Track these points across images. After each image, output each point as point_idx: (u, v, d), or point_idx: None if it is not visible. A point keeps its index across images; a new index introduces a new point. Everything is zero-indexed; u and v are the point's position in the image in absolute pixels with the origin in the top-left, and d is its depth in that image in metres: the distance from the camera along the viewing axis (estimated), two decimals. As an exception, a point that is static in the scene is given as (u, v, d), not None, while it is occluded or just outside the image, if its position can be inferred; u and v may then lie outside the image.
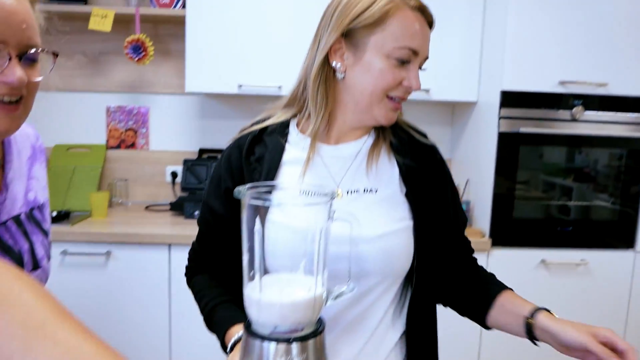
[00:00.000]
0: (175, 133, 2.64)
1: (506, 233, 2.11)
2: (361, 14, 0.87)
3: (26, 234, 0.87)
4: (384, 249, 0.89)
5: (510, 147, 2.07)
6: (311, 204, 0.67)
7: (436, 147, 1.01)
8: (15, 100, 0.75)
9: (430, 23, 0.90)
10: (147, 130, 2.64)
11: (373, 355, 0.94)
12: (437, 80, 2.22)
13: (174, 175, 2.61)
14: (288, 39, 2.20)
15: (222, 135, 2.63)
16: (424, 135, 1.02)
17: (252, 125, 1.00)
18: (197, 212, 2.28)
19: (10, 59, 0.72)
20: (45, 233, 0.93)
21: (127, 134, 2.64)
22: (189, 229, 2.09)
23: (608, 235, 2.17)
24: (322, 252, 0.70)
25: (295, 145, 0.96)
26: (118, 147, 2.64)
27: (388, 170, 0.95)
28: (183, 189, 2.48)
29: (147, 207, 2.51)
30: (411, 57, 0.87)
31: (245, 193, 0.69)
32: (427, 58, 0.91)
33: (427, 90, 2.22)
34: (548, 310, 0.88)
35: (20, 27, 0.73)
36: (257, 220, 0.68)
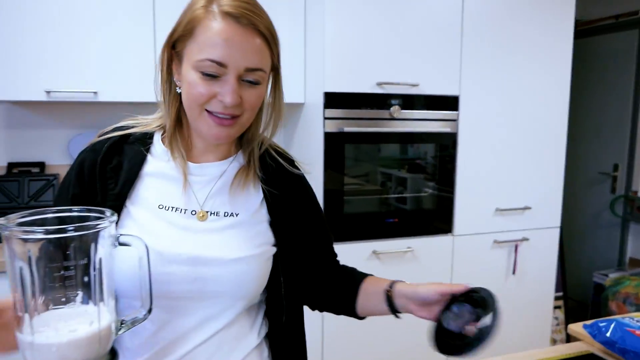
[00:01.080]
0: (-23, 147, 2.32)
1: (338, 228, 2.21)
2: (178, 25, 0.84)
3: None
4: (237, 272, 0.87)
5: (336, 145, 2.16)
6: (87, 231, 0.62)
7: (303, 176, 1.03)
8: None
9: (256, 27, 0.81)
10: (-61, 146, 2.27)
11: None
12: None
13: (-21, 195, 2.29)
14: (101, 41, 2.04)
15: (36, 146, 2.37)
16: (292, 162, 1.01)
17: (113, 130, 0.92)
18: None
19: None
20: None
21: None
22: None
23: (431, 223, 2.39)
24: (104, 279, 0.65)
25: (158, 158, 0.91)
26: None
27: (253, 196, 0.94)
28: (-9, 210, 2.19)
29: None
30: (219, 71, 0.80)
31: (7, 227, 0.61)
32: (258, 70, 0.83)
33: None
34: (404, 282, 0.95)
35: None
36: (21, 255, 0.61)
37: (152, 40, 2.08)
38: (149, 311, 0.70)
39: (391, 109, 2.23)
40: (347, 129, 2.15)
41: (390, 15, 2.20)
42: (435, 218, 2.40)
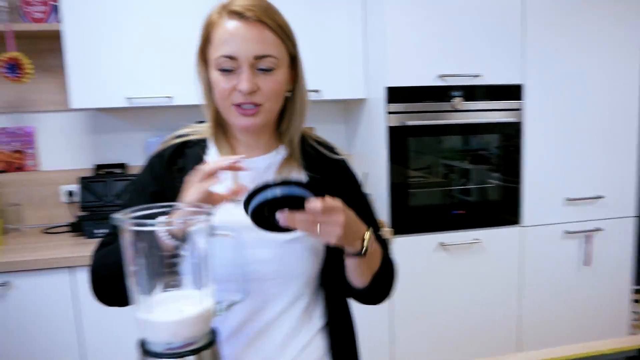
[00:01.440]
0: (67, 151, 2.53)
1: (404, 220, 2.24)
2: (201, 34, 0.95)
3: None
4: (287, 254, 0.95)
5: (399, 139, 2.20)
6: (190, 224, 0.70)
7: (345, 160, 1.08)
8: None
9: (259, 19, 0.89)
10: (35, 151, 2.50)
11: (287, 349, 0.99)
12: (326, 80, 2.31)
13: (70, 194, 2.50)
14: (174, 47, 2.18)
15: (118, 149, 2.56)
16: (333, 149, 1.08)
17: (174, 138, 1.03)
18: (97, 231, 2.21)
19: None
20: None
21: (13, 156, 2.49)
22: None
23: (497, 214, 2.37)
24: (206, 266, 0.73)
25: (213, 158, 1.00)
26: (5, 171, 2.48)
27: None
28: (82, 208, 2.39)
29: (44, 231, 2.39)
30: (232, 64, 0.90)
31: (123, 219, 0.70)
32: (267, 56, 0.90)
33: (317, 91, 2.30)
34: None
35: None
36: (139, 243, 0.70)
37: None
38: (244, 295, 0.78)
39: (453, 100, 2.24)
40: (409, 123, 2.18)
41: (450, 6, 2.20)
42: (502, 209, 2.38)
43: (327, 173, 1.03)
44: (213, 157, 1.01)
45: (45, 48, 2.40)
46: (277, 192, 0.75)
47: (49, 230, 2.39)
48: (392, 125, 2.18)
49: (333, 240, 0.80)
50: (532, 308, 2.44)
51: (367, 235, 0.88)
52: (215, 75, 0.92)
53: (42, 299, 1.97)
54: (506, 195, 2.38)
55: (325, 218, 0.78)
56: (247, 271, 0.84)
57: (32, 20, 2.24)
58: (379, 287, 0.99)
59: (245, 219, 0.79)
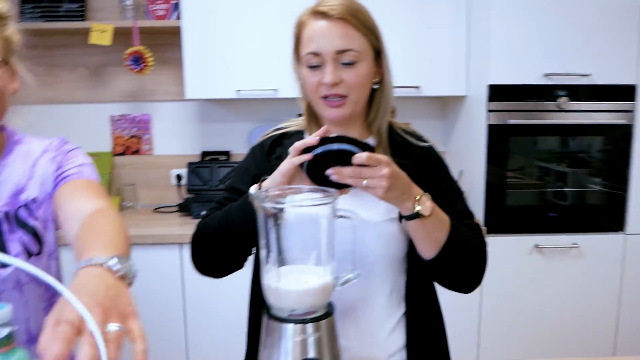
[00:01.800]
0: (177, 138, 2.74)
1: (500, 220, 2.22)
2: (294, 35, 1.05)
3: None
4: (380, 234, 1.01)
5: (500, 138, 2.17)
6: (318, 204, 0.77)
7: (432, 147, 1.12)
8: None
9: (341, 17, 0.97)
10: (150, 136, 2.73)
11: (375, 334, 1.04)
12: (426, 76, 2.32)
13: (179, 177, 2.71)
14: (281, 43, 2.27)
15: (223, 137, 2.73)
16: (420, 137, 1.12)
17: (274, 130, 1.15)
18: (203, 212, 2.38)
19: None
20: (32, 230, 0.97)
21: (131, 140, 2.74)
22: (197, 230, 2.19)
23: (598, 219, 2.28)
24: (330, 244, 0.80)
25: None
26: (123, 153, 2.73)
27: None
28: (189, 190, 2.58)
29: (155, 210, 2.61)
30: (318, 60, 0.98)
31: (258, 197, 0.79)
32: (348, 50, 0.97)
33: (417, 87, 2.32)
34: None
35: None
36: (272, 220, 0.79)
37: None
38: (359, 273, 0.84)
39: (559, 100, 2.17)
40: (511, 121, 2.15)
41: (559, 3, 2.13)
42: (603, 215, 2.28)
43: (415, 160, 1.07)
44: None
45: (164, 42, 2.61)
46: (329, 147, 0.83)
47: (159, 210, 2.61)
48: (492, 123, 2.16)
49: (379, 193, 0.84)
50: (632, 317, 2.32)
51: (421, 197, 0.90)
52: (305, 71, 1.01)
53: (153, 271, 2.17)
54: (609, 201, 2.27)
55: (371, 171, 0.83)
56: (358, 251, 0.90)
57: (155, 17, 2.46)
58: (452, 265, 0.98)
59: (359, 203, 0.86)
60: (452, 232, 0.96)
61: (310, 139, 0.86)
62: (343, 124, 1.06)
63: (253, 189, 0.93)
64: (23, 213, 0.97)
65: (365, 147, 0.83)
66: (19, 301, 0.94)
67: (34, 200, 0.98)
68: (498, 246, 2.21)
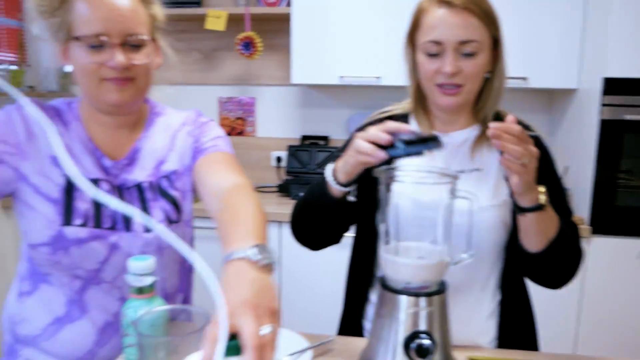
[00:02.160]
0: (279, 121, 2.86)
1: (607, 221, 2.11)
2: (411, 20, 1.05)
3: (143, 200, 1.05)
4: (485, 219, 1.01)
5: (613, 134, 2.06)
6: (438, 183, 0.81)
7: (539, 137, 1.10)
8: (124, 77, 0.96)
9: (465, 6, 0.96)
10: (254, 119, 2.87)
11: (471, 319, 1.06)
12: (535, 67, 2.25)
13: (279, 159, 2.83)
14: (385, 31, 2.31)
15: (323, 122, 2.81)
16: (527, 127, 1.11)
17: (379, 114, 1.18)
18: (301, 194, 2.47)
19: (113, 48, 0.93)
20: (172, 199, 1.07)
21: (236, 122, 2.89)
22: (296, 210, 2.29)
23: None
24: (447, 224, 0.83)
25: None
26: (229, 134, 2.89)
27: (491, 155, 1.07)
28: (287, 172, 2.69)
29: (256, 189, 2.75)
30: (438, 48, 0.98)
31: (381, 173, 0.83)
32: (470, 41, 0.97)
33: (524, 78, 2.25)
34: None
35: (119, 20, 0.93)
36: (390, 196, 0.83)
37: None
38: (472, 255, 0.87)
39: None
40: (627, 117, 2.03)
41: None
42: None
43: None
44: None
45: (273, 29, 2.73)
46: (408, 151, 0.85)
47: (259, 189, 2.74)
48: (605, 118, 2.05)
49: (519, 172, 0.85)
50: None
51: (543, 189, 0.91)
52: (422, 57, 1.02)
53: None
54: None
55: (521, 146, 0.85)
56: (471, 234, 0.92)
57: (266, 4, 2.57)
58: (555, 260, 0.99)
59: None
60: (560, 228, 0.97)
61: (381, 137, 0.88)
62: (453, 111, 1.07)
63: (329, 169, 0.98)
64: (164, 183, 1.08)
65: (437, 141, 0.85)
66: (159, 263, 1.05)
67: (174, 172, 1.09)
68: (604, 247, 2.11)
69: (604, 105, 2.05)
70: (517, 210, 0.94)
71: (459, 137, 1.09)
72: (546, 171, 1.07)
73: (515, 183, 0.87)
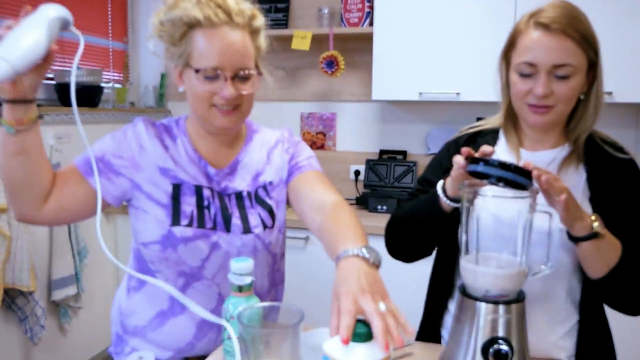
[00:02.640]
0: (358, 136, 2.96)
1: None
2: (508, 38, 1.08)
3: (241, 207, 1.17)
4: (565, 237, 1.01)
5: None
6: (518, 197, 0.86)
7: (633, 160, 1.09)
8: (231, 108, 1.08)
9: (562, 30, 0.97)
10: (334, 134, 2.99)
11: (548, 335, 1.08)
12: (620, 81, 2.20)
13: (357, 173, 2.92)
14: (464, 48, 2.35)
15: (400, 138, 2.87)
16: (620, 149, 1.10)
17: (469, 128, 1.23)
18: (380, 207, 2.55)
19: (225, 80, 1.05)
20: (268, 207, 1.19)
21: (317, 136, 3.02)
22: (374, 221, 2.36)
23: None
24: (526, 237, 0.88)
25: (501, 147, 1.16)
26: (310, 148, 3.02)
27: (575, 176, 1.08)
28: (365, 186, 2.78)
29: (334, 202, 2.85)
30: (531, 70, 1.00)
31: (464, 188, 0.90)
32: (564, 65, 0.98)
33: (609, 93, 2.21)
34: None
35: (233, 56, 1.05)
36: (472, 209, 0.89)
37: (511, 45, 2.28)
38: (551, 268, 0.91)
39: None
40: None
41: None
42: None
43: (610, 172, 1.06)
44: (502, 147, 1.15)
45: (354, 47, 2.84)
46: (499, 174, 0.88)
47: (338, 201, 2.84)
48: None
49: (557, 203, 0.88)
50: None
51: (595, 217, 0.93)
52: (515, 77, 1.04)
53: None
54: None
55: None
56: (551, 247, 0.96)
57: (349, 25, 2.69)
58: (620, 287, 0.99)
59: None
60: (623, 255, 0.97)
61: (460, 160, 0.94)
62: (542, 129, 1.09)
63: (439, 185, 1.04)
64: (262, 192, 1.20)
65: (527, 175, 0.88)
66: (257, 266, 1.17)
67: (270, 183, 1.21)
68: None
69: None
70: (570, 239, 0.96)
71: (547, 156, 1.10)
72: (633, 195, 1.06)
73: (561, 216, 0.91)
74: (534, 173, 0.87)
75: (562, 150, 1.10)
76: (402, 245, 1.19)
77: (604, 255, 0.96)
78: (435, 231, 1.11)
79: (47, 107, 2.46)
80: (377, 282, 0.79)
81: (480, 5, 2.33)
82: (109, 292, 2.88)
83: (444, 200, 1.02)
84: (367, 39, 2.62)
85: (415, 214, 1.12)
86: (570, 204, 0.89)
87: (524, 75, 1.02)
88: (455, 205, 1.01)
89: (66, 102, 2.54)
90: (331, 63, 2.67)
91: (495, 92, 1.16)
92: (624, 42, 2.20)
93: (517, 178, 0.86)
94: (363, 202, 2.65)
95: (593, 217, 0.94)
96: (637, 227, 1.05)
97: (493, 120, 1.20)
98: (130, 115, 2.98)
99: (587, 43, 1.00)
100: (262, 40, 1.16)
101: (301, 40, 2.66)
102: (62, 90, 2.53)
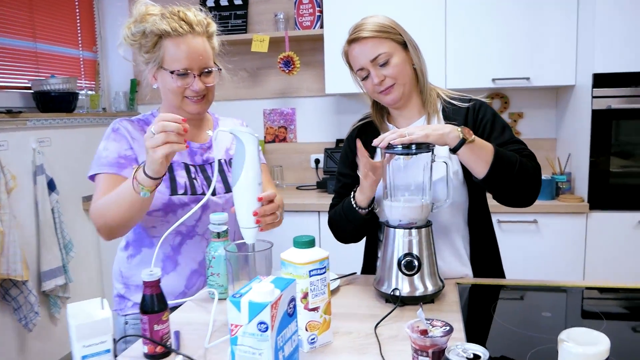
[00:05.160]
0: (316, 127, 3.26)
1: (603, 198, 2.40)
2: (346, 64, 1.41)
3: (222, 171, 1.47)
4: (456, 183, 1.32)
5: (602, 122, 2.36)
6: (418, 152, 1.18)
7: (475, 102, 1.37)
8: (200, 97, 1.37)
9: (370, 35, 1.29)
10: (294, 127, 3.29)
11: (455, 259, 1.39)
12: (537, 67, 2.57)
13: (317, 161, 3.23)
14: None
15: (354, 127, 3.18)
16: (467, 100, 1.39)
17: (359, 121, 1.54)
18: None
19: (194, 77, 1.34)
20: None
21: (279, 130, 3.32)
22: (332, 200, 2.67)
23: None
24: (427, 180, 1.20)
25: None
26: (273, 141, 3.32)
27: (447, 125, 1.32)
28: (325, 172, 3.09)
29: (298, 187, 3.16)
30: (364, 72, 1.32)
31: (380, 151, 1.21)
32: (378, 55, 1.29)
33: (527, 78, 2.58)
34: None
35: (199, 58, 1.34)
36: (389, 165, 1.21)
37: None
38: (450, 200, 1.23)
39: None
40: (614, 106, 2.33)
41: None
42: None
43: (464, 119, 1.35)
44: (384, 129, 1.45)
45: (307, 48, 3.15)
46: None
47: (301, 187, 3.15)
48: (595, 109, 2.35)
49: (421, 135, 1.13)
50: None
51: (461, 128, 1.15)
52: (360, 81, 1.38)
53: (297, 231, 2.67)
54: None
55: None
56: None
57: (302, 28, 2.99)
58: (503, 180, 1.19)
59: None
60: (496, 152, 1.18)
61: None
62: (401, 105, 1.39)
63: (352, 201, 1.31)
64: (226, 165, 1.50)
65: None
66: (230, 217, 1.46)
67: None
68: (602, 222, 2.39)
69: (594, 97, 2.35)
70: (451, 151, 1.17)
71: (418, 124, 1.40)
72: (484, 122, 1.34)
73: (432, 140, 1.15)
74: (380, 145, 1.16)
75: (425, 118, 1.40)
76: (342, 239, 1.48)
77: (480, 155, 1.16)
78: (362, 227, 1.39)
79: (28, 114, 2.66)
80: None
81: (413, 4, 2.66)
82: (93, 283, 3.11)
83: (358, 211, 1.31)
84: (319, 39, 2.93)
85: (342, 223, 1.40)
86: (427, 132, 1.13)
87: (364, 78, 1.35)
88: (369, 209, 1.30)
89: (45, 109, 2.76)
90: (288, 63, 2.97)
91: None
92: (538, 33, 2.56)
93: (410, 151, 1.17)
94: (323, 186, 2.96)
95: (458, 129, 1.15)
96: (501, 139, 1.31)
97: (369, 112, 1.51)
98: (104, 119, 3.21)
99: (388, 33, 1.30)
100: (216, 42, 1.44)
101: (260, 44, 2.95)
102: (39, 98, 2.75)
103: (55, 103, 2.78)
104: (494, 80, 2.62)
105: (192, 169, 1.44)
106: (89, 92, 3.29)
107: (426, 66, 1.39)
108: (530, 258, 2.46)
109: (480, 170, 1.18)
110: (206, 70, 1.37)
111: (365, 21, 1.33)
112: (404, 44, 1.34)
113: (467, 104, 1.39)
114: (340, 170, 1.53)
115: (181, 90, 1.35)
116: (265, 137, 3.32)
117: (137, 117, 1.48)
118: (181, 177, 1.41)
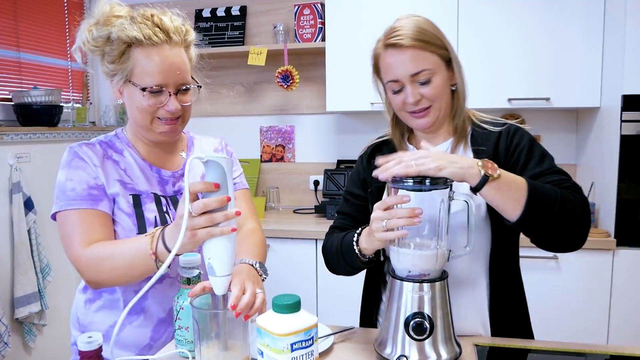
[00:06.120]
0: (316, 147, 3.05)
1: (632, 233, 2.17)
2: (372, 65, 1.21)
3: None
4: (478, 223, 1.11)
5: (633, 149, 2.14)
6: (432, 189, 0.95)
7: (509, 126, 1.17)
8: (175, 117, 1.17)
9: (413, 45, 1.09)
10: (293, 146, 3.08)
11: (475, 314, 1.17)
12: (559, 87, 2.35)
13: (317, 183, 3.01)
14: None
15: (357, 147, 2.93)
16: (495, 123, 1.20)
17: (377, 139, 1.35)
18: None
19: (170, 95, 1.13)
20: None
21: (276, 149, 3.11)
22: (332, 228, 2.45)
23: None
24: (444, 222, 0.98)
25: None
26: (270, 160, 3.11)
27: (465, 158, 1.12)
28: (324, 195, 2.87)
29: (294, 211, 2.94)
30: (398, 85, 1.12)
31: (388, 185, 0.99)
32: (421, 72, 1.10)
33: (547, 99, 2.36)
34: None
35: (176, 74, 1.12)
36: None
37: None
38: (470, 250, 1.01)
39: None
40: (647, 132, 2.11)
41: None
42: None
43: (493, 144, 1.15)
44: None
45: (308, 62, 2.95)
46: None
47: (297, 211, 2.93)
48: (625, 134, 2.13)
49: (432, 169, 0.93)
50: None
51: (482, 162, 0.95)
52: (389, 93, 1.17)
53: (293, 260, 2.48)
54: None
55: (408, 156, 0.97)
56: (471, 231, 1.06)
57: (303, 41, 2.80)
58: (542, 221, 0.97)
59: None
60: (531, 188, 0.96)
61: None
62: (431, 130, 1.20)
63: (355, 245, 1.10)
64: None
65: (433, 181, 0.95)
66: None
67: None
68: (631, 260, 2.16)
69: (623, 121, 2.13)
70: (473, 192, 0.97)
71: (441, 149, 1.20)
72: (519, 149, 1.13)
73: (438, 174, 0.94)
74: (380, 176, 0.97)
75: (451, 143, 1.21)
76: (334, 272, 1.28)
77: (509, 194, 0.96)
78: (357, 269, 1.19)
79: (6, 128, 2.47)
80: (258, 282, 1.08)
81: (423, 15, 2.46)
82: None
83: (359, 258, 1.09)
84: (320, 53, 2.74)
85: (337, 259, 1.20)
86: (441, 165, 0.93)
87: (395, 92, 1.14)
88: (373, 258, 1.10)
89: (25, 122, 2.56)
90: (286, 77, 2.77)
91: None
92: (560, 51, 2.36)
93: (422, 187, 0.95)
94: (322, 211, 2.74)
95: (479, 163, 0.95)
96: (538, 168, 1.10)
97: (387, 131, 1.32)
98: (91, 134, 3.01)
99: (435, 45, 1.11)
100: (193, 52, 1.23)
101: (257, 56, 2.75)
102: (20, 110, 2.56)
103: (36, 116, 2.59)
104: (509, 100, 2.41)
105: (162, 200, 1.22)
106: (76, 105, 3.09)
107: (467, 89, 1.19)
108: (550, 299, 2.22)
109: (511, 212, 0.97)
110: (183, 87, 1.15)
111: (405, 23, 1.13)
112: (449, 61, 1.15)
113: (499, 128, 1.19)
114: (348, 189, 1.34)
115: (153, 109, 1.14)
116: (261, 155, 3.11)
117: (98, 140, 1.25)
118: (150, 212, 1.19)
